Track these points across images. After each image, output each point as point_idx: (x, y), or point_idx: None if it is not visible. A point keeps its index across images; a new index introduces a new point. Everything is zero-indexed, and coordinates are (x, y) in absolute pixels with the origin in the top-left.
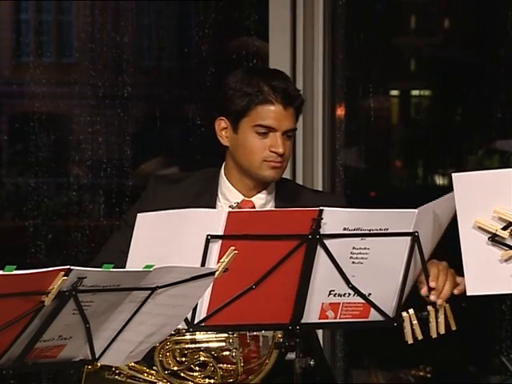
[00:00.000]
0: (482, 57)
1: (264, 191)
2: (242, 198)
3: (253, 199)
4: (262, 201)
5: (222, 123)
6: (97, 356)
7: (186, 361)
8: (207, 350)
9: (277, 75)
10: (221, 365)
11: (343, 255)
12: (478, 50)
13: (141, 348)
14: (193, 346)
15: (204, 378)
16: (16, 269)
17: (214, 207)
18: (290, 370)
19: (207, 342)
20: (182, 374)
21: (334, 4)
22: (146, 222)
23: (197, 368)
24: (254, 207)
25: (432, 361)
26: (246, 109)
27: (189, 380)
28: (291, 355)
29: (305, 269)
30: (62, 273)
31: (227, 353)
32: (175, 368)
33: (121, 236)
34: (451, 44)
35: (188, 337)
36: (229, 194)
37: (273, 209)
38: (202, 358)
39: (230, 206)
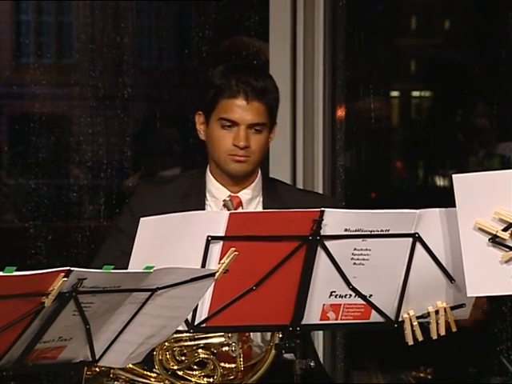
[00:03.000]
0: (483, 58)
1: (249, 187)
2: (229, 193)
3: (239, 195)
4: (248, 196)
5: (200, 118)
6: (97, 357)
7: (185, 359)
8: (206, 346)
9: (250, 70)
10: (221, 363)
11: (344, 256)
12: (479, 50)
13: (141, 349)
14: (192, 343)
15: (204, 376)
16: (16, 270)
17: (203, 207)
18: (289, 371)
19: (206, 337)
20: (182, 374)
21: (334, 5)
22: (148, 226)
23: (196, 367)
24: (240, 202)
25: (432, 362)
26: (214, 102)
27: (189, 380)
28: (290, 355)
29: (305, 270)
30: (62, 274)
31: (226, 348)
32: (175, 367)
33: (113, 242)
34: (452, 45)
35: (187, 334)
36: (216, 192)
37: (274, 210)
38: (201, 356)
39: (223, 201)
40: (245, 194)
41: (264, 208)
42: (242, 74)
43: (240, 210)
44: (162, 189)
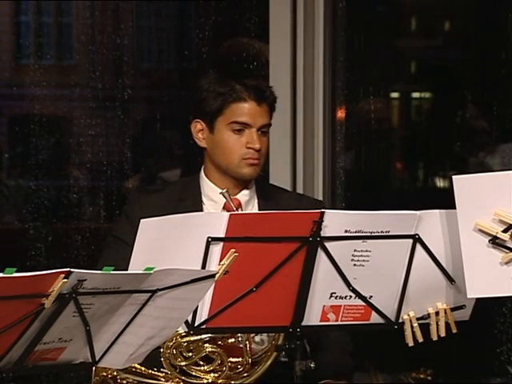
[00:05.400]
0: (483, 59)
1: (246, 189)
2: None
3: (237, 197)
4: (246, 197)
5: (197, 125)
6: (97, 359)
7: (192, 355)
8: (213, 339)
9: (246, 72)
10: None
11: (344, 257)
12: (479, 52)
13: (141, 351)
14: (198, 337)
15: (212, 372)
16: (16, 271)
17: (200, 210)
18: (290, 372)
19: None
20: (190, 370)
21: (334, 6)
22: (149, 227)
23: (203, 363)
24: (240, 204)
25: (433, 363)
26: (221, 108)
27: (197, 377)
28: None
29: (305, 271)
30: (62, 275)
31: (233, 340)
32: (182, 363)
33: (112, 251)
34: (452, 46)
35: None
36: (213, 195)
37: (274, 211)
38: (208, 350)
39: (220, 193)
40: (243, 196)
41: (260, 209)
42: (244, 78)
43: (240, 211)
44: (155, 196)
